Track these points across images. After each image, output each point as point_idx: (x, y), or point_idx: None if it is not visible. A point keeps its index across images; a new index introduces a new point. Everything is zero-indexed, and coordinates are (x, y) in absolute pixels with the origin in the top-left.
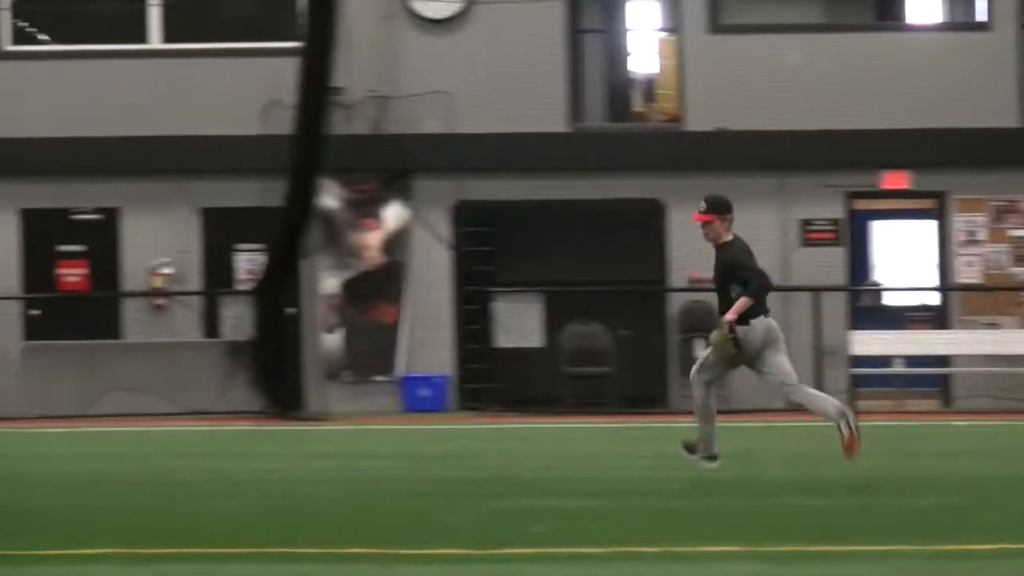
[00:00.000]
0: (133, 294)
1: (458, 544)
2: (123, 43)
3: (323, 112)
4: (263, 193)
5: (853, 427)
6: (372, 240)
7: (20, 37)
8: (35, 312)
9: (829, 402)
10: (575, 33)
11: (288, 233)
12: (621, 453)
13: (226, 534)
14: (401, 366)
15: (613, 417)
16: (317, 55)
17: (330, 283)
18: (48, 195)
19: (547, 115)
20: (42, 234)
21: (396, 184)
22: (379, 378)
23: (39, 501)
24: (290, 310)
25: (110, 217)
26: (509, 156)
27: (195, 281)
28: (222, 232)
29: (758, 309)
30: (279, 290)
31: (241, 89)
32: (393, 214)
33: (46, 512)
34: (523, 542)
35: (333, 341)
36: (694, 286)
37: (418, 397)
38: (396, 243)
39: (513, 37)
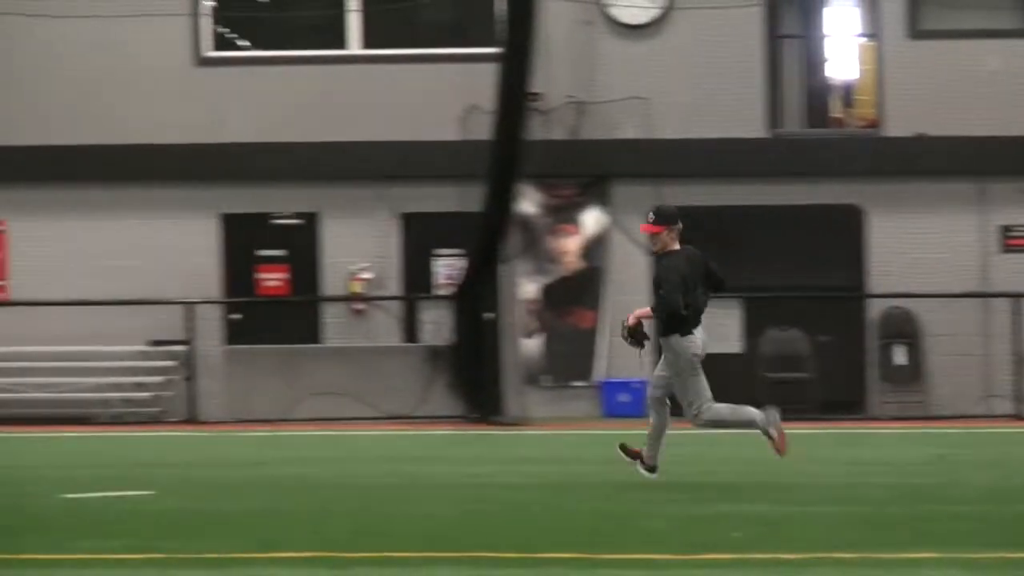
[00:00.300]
0: (333, 299)
1: (657, 549)
2: (323, 49)
3: (522, 118)
4: (462, 198)
5: (776, 430)
6: (571, 245)
7: (221, 43)
8: (236, 316)
9: (749, 412)
10: (774, 38)
11: (487, 238)
12: (818, 458)
13: (424, 539)
14: (600, 371)
15: (811, 423)
16: (516, 61)
17: (529, 288)
18: (249, 200)
19: (745, 120)
20: (243, 239)
21: (594, 189)
22: (578, 383)
23: (237, 504)
24: (489, 315)
25: (310, 222)
26: (707, 161)
27: (394, 286)
28: (421, 237)
29: (690, 326)
30: (478, 295)
31: (440, 94)
32: (592, 219)
33: (243, 515)
34: (721, 547)
35: (532, 346)
36: (893, 292)
37: (617, 402)
38: (594, 248)
39: (711, 42)
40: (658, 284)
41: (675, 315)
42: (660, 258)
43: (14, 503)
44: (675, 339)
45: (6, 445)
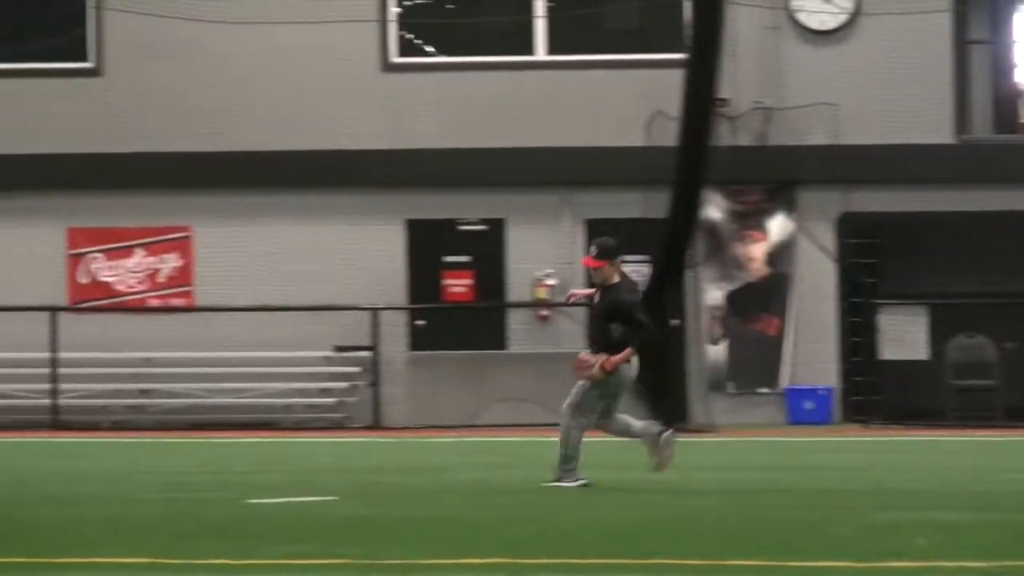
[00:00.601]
0: (517, 305)
1: (842, 557)
2: (509, 55)
3: (708, 123)
4: (647, 204)
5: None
6: (756, 252)
7: (407, 49)
8: (421, 322)
9: (640, 426)
10: (962, 44)
11: (672, 245)
12: (1004, 466)
13: (607, 545)
14: (785, 378)
15: (998, 430)
16: (702, 66)
17: (714, 295)
18: (434, 206)
19: (933, 126)
20: (428, 244)
21: (781, 195)
22: (763, 390)
23: (421, 510)
24: (674, 322)
25: (495, 228)
26: (894, 167)
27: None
28: None
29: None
30: (663, 302)
31: (625, 100)
32: (778, 226)
33: (427, 521)
34: (906, 555)
35: (717, 353)
36: None
37: (802, 409)
38: (780, 255)
39: (899, 48)
40: (615, 314)
41: (650, 340)
42: (612, 291)
43: (199, 508)
44: (623, 364)
45: (191, 450)
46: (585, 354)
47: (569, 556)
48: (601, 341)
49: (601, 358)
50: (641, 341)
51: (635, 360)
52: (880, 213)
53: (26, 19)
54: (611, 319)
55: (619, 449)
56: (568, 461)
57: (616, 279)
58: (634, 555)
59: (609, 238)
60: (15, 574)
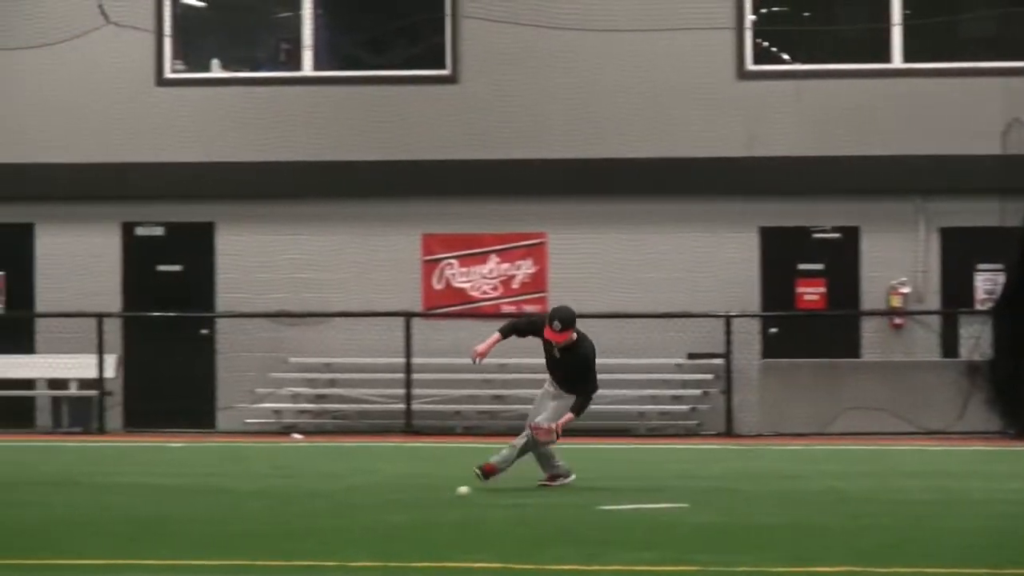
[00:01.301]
0: (870, 313)
1: None
2: (864, 62)
3: None
4: (1003, 213)
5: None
6: None
7: (761, 56)
8: (773, 330)
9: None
10: None
11: None
12: None
13: (957, 555)
14: None
15: None
16: None
17: None
18: (788, 213)
19: None
20: (782, 252)
21: None
22: None
23: (771, 518)
24: None
25: (849, 236)
26: None
27: (933, 300)
28: (960, 251)
29: None
30: (1017, 310)
31: (981, 108)
32: None
33: (778, 529)
34: None
35: None
36: None
37: None
38: None
39: None
40: (583, 372)
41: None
42: (578, 348)
43: (550, 514)
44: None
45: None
46: (542, 421)
47: (920, 565)
48: (571, 388)
49: (557, 425)
50: (585, 407)
51: None
52: None
53: (387, 27)
54: (583, 371)
55: (968, 459)
56: (548, 459)
57: (575, 338)
58: (984, 564)
59: (565, 308)
60: None
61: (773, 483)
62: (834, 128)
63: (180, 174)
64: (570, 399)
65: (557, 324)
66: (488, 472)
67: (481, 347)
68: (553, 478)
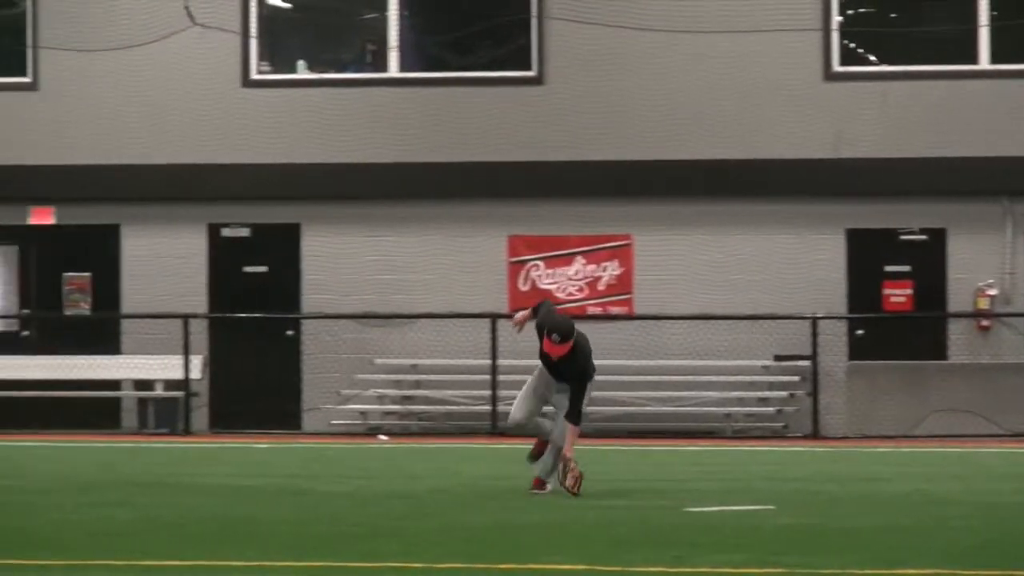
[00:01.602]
0: (957, 315)
1: None
2: (951, 63)
3: None
4: None
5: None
6: None
7: (848, 57)
8: (860, 332)
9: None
10: None
11: None
12: None
13: None
14: None
15: None
16: None
17: None
18: (874, 215)
19: None
20: (868, 254)
21: None
22: None
23: (858, 520)
24: None
25: (936, 237)
26: None
27: (1021, 302)
28: None
29: None
30: None
31: None
32: None
33: (864, 531)
34: None
35: None
36: None
37: None
38: None
39: None
40: (582, 368)
41: None
42: (576, 355)
43: (637, 516)
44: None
45: (630, 458)
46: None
47: (1011, 569)
48: (567, 380)
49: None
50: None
51: None
52: None
53: (472, 29)
54: (581, 367)
55: None
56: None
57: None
58: None
59: (563, 319)
60: None
61: (859, 485)
62: (921, 129)
63: (266, 175)
64: (565, 393)
65: (556, 337)
66: (537, 485)
67: (519, 316)
68: (541, 484)
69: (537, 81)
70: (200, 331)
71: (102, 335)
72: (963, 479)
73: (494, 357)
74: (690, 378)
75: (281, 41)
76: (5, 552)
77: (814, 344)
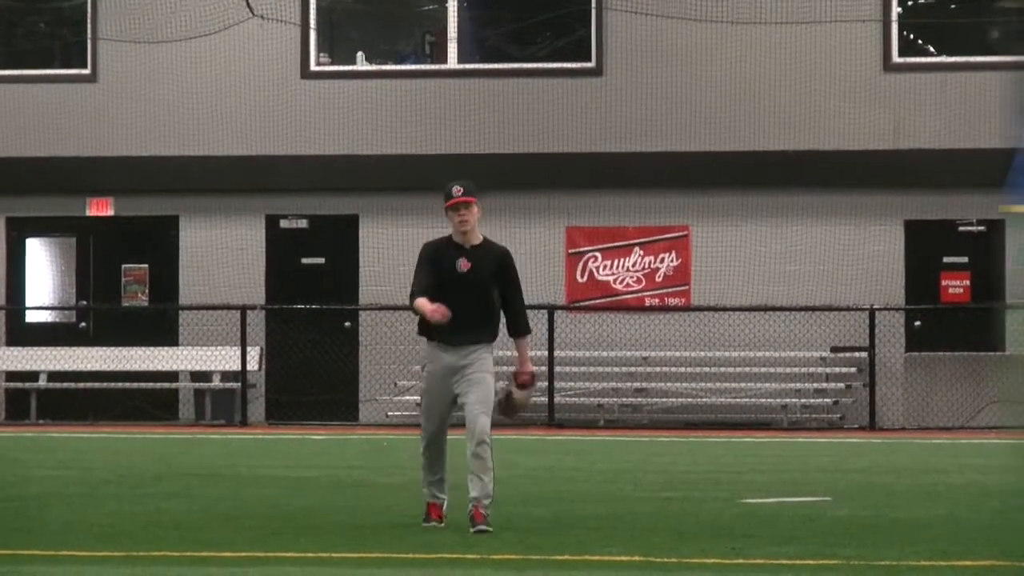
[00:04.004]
0: (1016, 306)
1: None
2: (1010, 55)
3: None
4: None
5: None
6: None
7: (907, 48)
8: (917, 323)
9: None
10: None
11: None
12: None
13: None
14: None
15: None
16: None
17: None
18: (933, 207)
19: None
20: (926, 245)
21: None
22: None
23: (914, 512)
24: None
25: (994, 229)
26: None
27: None
28: None
29: None
30: None
31: None
32: None
33: (920, 523)
34: None
35: None
36: None
37: None
38: None
39: None
40: (514, 284)
41: None
42: (487, 246)
43: (694, 508)
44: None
45: (686, 449)
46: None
47: None
48: (490, 320)
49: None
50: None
51: None
52: None
53: (531, 20)
54: (509, 277)
55: None
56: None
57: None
58: None
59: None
60: (529, 571)
61: (916, 477)
62: (979, 121)
63: (324, 167)
64: (487, 367)
65: (457, 188)
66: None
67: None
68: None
69: (596, 73)
70: (257, 322)
71: (160, 327)
72: (1020, 471)
73: (551, 348)
74: (747, 369)
75: (340, 33)
76: (64, 543)
77: (871, 335)
